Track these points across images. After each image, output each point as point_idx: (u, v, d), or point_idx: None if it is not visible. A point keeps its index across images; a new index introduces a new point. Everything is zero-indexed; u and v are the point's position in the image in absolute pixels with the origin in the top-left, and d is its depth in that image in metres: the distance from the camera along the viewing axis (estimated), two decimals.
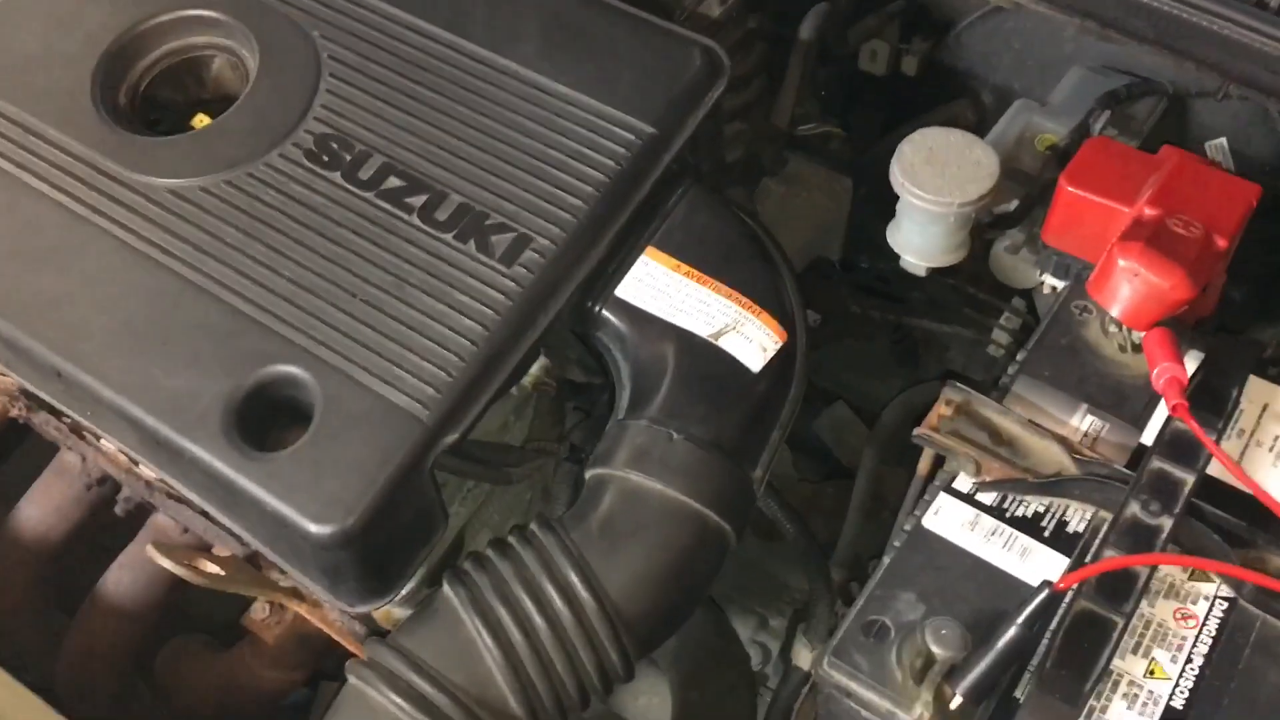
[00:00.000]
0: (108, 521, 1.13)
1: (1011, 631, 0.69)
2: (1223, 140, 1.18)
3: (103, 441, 1.03)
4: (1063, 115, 1.12)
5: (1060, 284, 1.02)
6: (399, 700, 0.78)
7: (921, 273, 1.04)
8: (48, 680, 1.12)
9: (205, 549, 1.04)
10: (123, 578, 1.11)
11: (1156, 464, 0.80)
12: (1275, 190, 1.00)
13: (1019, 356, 0.91)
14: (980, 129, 1.32)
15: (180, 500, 1.00)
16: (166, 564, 0.91)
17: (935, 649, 0.72)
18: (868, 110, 1.45)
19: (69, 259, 0.93)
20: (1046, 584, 0.69)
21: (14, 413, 1.07)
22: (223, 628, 1.16)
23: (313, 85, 0.99)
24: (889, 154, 1.08)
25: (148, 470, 0.99)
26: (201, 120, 1.03)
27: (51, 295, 0.92)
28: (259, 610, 1.05)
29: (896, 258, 1.33)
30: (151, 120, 1.04)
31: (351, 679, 0.82)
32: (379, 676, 0.80)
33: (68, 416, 0.99)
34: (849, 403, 1.57)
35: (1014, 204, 1.06)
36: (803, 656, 1.02)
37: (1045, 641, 0.73)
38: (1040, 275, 1.04)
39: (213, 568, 0.93)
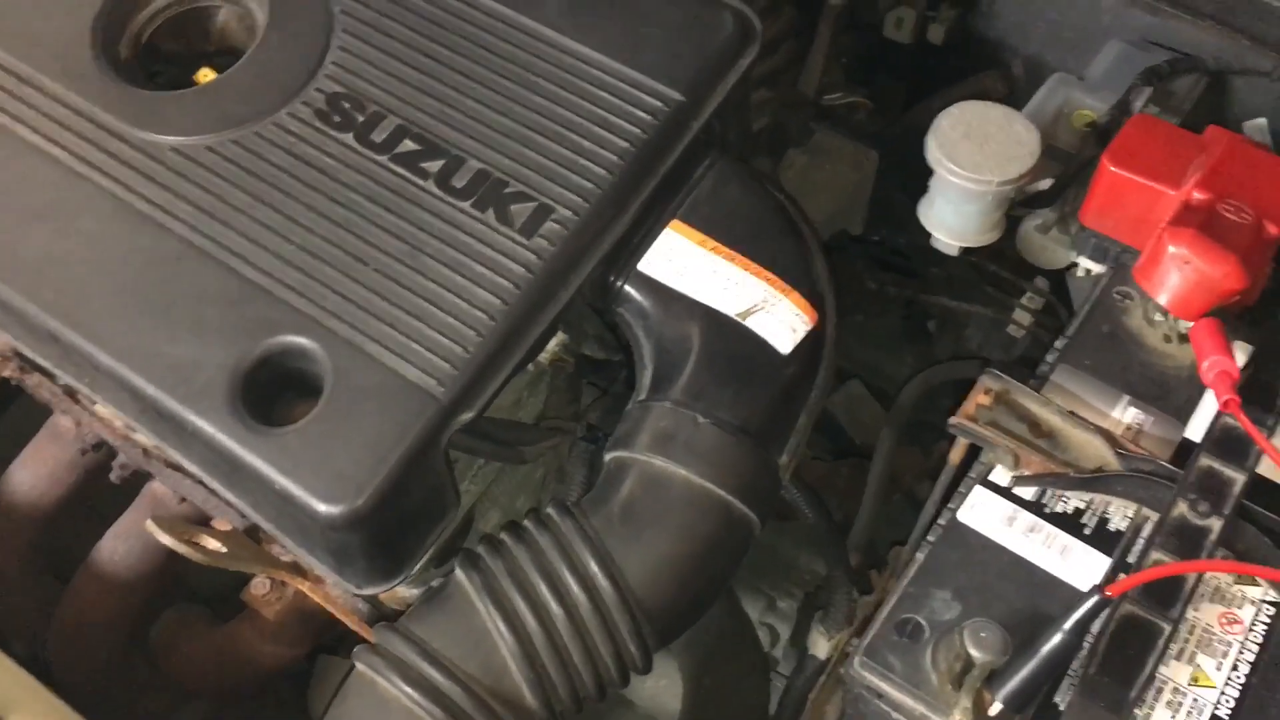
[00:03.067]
0: (103, 487, 1.09)
1: (1058, 638, 0.66)
2: (1262, 120, 1.14)
3: (98, 405, 0.99)
4: (1102, 90, 1.08)
5: (1096, 267, 0.98)
6: (409, 690, 0.75)
7: (954, 252, 1.01)
8: (40, 649, 1.09)
9: (204, 521, 1.01)
10: (118, 547, 1.08)
11: (1205, 462, 0.77)
12: None
13: (1058, 344, 0.87)
14: (1011, 102, 1.27)
15: (178, 468, 0.97)
16: (167, 540, 0.87)
17: (975, 652, 0.69)
18: (891, 80, 1.41)
19: (67, 218, 0.89)
20: (1097, 589, 0.66)
21: (6, 373, 1.03)
22: (220, 598, 1.12)
23: (324, 41, 0.94)
24: (916, 127, 1.04)
25: (144, 436, 0.95)
26: (206, 75, 0.99)
27: (48, 255, 0.88)
28: (259, 585, 1.01)
29: (917, 232, 1.29)
30: (153, 73, 1.00)
31: (359, 666, 0.78)
32: (389, 665, 0.77)
33: (61, 379, 0.96)
34: (859, 378, 1.54)
35: (1048, 182, 1.02)
36: (820, 646, 0.99)
37: (1088, 646, 0.70)
38: (1076, 257, 1.00)
39: (214, 544, 0.90)
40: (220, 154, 0.90)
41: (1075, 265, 1.01)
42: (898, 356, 1.58)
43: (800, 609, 1.18)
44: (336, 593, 0.96)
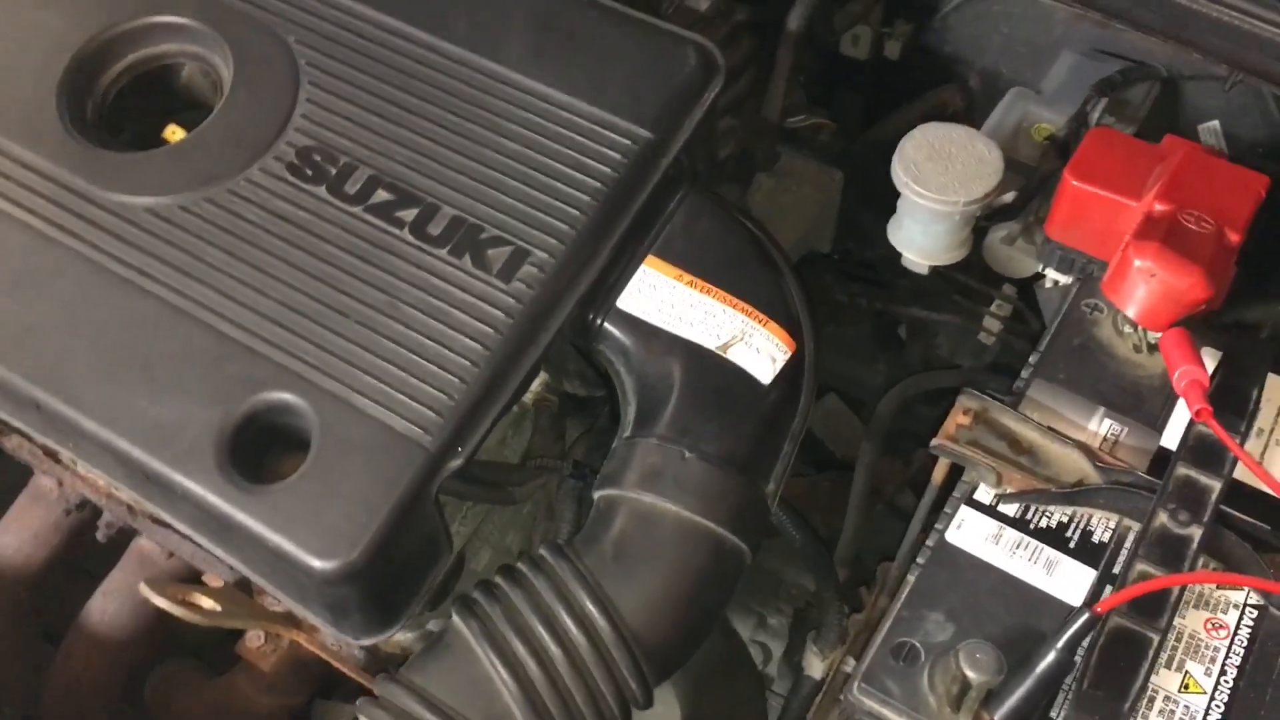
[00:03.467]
0: (89, 546, 1.09)
1: (1051, 656, 0.68)
2: (1215, 123, 1.17)
3: (79, 465, 0.99)
4: (1058, 103, 1.11)
5: (1063, 278, 1.00)
6: None
7: (924, 271, 1.03)
8: (34, 712, 1.08)
9: (194, 576, 1.01)
10: (108, 606, 1.08)
11: (1182, 471, 0.79)
12: (1269, 172, 0.98)
13: (1031, 359, 0.89)
14: (969, 114, 1.31)
15: (164, 524, 0.97)
16: (161, 603, 0.88)
17: (970, 674, 0.70)
18: (850, 96, 1.43)
19: (41, 284, 0.89)
20: (1087, 607, 0.68)
21: None
22: (213, 648, 1.12)
23: (291, 94, 0.95)
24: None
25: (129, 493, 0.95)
26: (174, 131, 0.99)
27: (25, 323, 0.88)
28: (254, 638, 1.02)
29: (884, 245, 1.31)
30: (120, 132, 1.00)
31: (363, 719, 0.79)
32: (392, 716, 0.77)
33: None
34: (835, 391, 1.55)
35: (1011, 195, 1.04)
36: (814, 666, 1.00)
37: (1079, 660, 0.71)
38: (1043, 269, 1.02)
39: (208, 602, 0.90)
40: (194, 213, 0.90)
41: (1043, 276, 1.03)
42: (871, 366, 1.60)
43: (792, 627, 1.19)
44: (331, 641, 0.97)
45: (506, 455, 1.00)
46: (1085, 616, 0.67)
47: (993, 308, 1.33)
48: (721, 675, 1.05)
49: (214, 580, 0.98)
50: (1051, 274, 1.01)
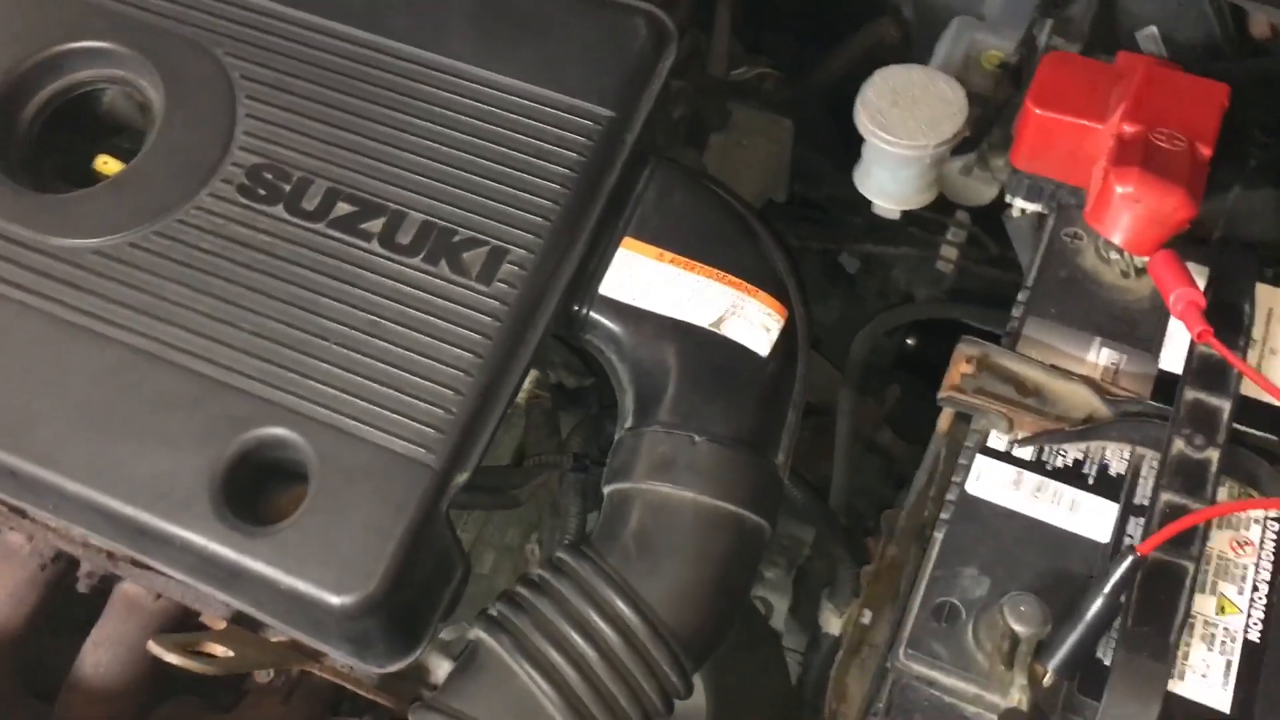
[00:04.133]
0: (71, 597, 1.05)
1: (1099, 602, 0.68)
2: (1154, 29, 1.17)
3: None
4: (1003, 27, 1.09)
5: (1032, 206, 1.00)
6: None
7: (896, 216, 1.01)
8: None
9: (187, 616, 0.98)
10: (101, 656, 1.04)
11: (1191, 394, 0.79)
12: (1212, 73, 0.98)
13: (1020, 297, 0.89)
14: (906, 46, 1.29)
15: (146, 566, 0.93)
16: (174, 659, 0.84)
17: (1018, 627, 0.70)
18: (779, 37, 1.40)
19: None
20: (1130, 549, 0.68)
21: None
22: (213, 681, 1.09)
23: (229, 112, 0.90)
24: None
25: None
26: (106, 162, 0.94)
27: None
28: (262, 674, 0.99)
29: (831, 184, 1.30)
30: (42, 170, 0.94)
31: None
32: None
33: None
34: None
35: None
36: (832, 623, 1.00)
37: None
38: (1010, 199, 1.01)
39: (220, 649, 0.87)
40: (146, 249, 0.86)
41: (1009, 206, 1.03)
42: (825, 302, 1.59)
43: (795, 581, 1.19)
44: (343, 664, 0.95)
45: (498, 454, 0.97)
46: (1130, 559, 0.67)
47: (949, 235, 1.33)
48: (744, 648, 1.05)
49: (214, 621, 0.95)
50: (1019, 203, 1.00)
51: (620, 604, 0.78)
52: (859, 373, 1.23)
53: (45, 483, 0.82)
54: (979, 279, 1.36)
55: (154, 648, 0.85)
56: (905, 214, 1.37)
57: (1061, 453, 0.80)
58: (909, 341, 1.55)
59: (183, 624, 1.01)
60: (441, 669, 0.98)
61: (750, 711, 1.04)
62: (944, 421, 0.86)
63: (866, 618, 0.98)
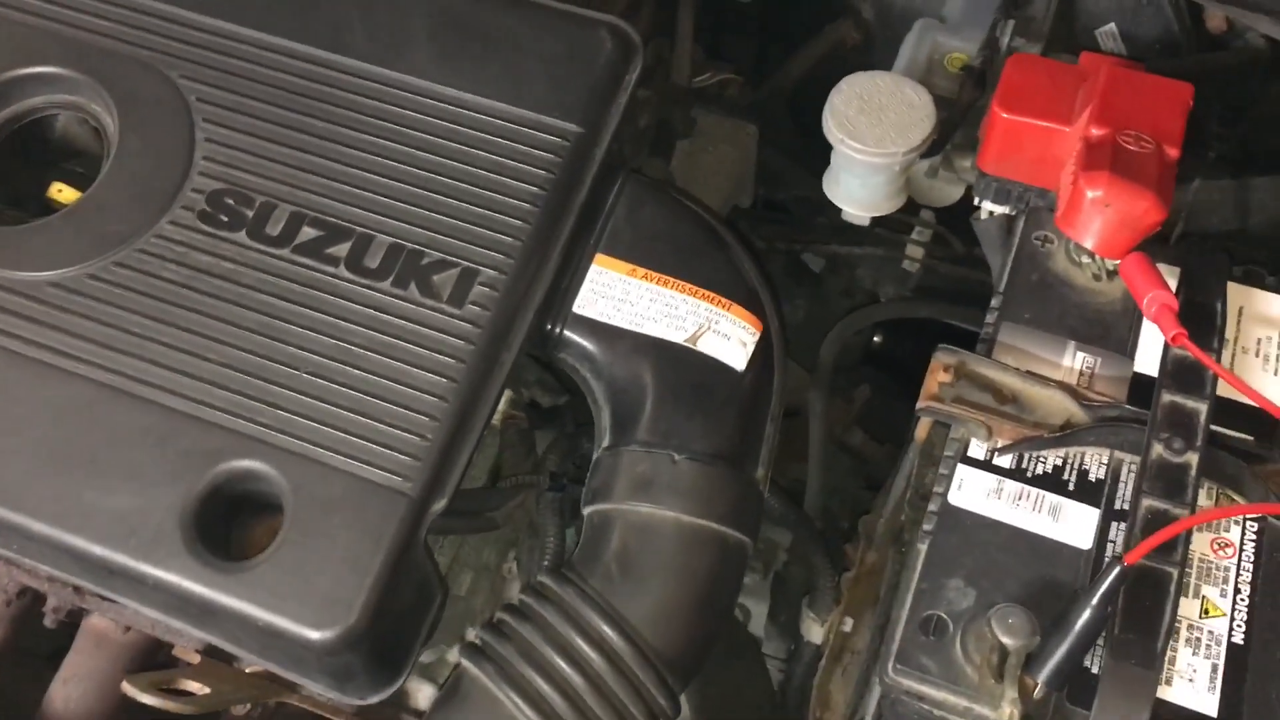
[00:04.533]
0: (38, 633, 1.03)
1: (1087, 613, 0.68)
2: (1112, 25, 1.17)
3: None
4: (965, 28, 1.09)
5: (1000, 209, 1.00)
6: None
7: (866, 223, 1.01)
8: None
9: (157, 648, 0.96)
10: (69, 692, 1.01)
11: (1168, 398, 0.79)
12: (1173, 71, 0.99)
13: (994, 303, 0.88)
14: (867, 47, 1.29)
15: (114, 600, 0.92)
16: (149, 700, 0.83)
17: (1006, 640, 0.70)
18: (739, 41, 1.40)
19: None
20: (1117, 560, 0.68)
21: None
22: None
23: (187, 136, 0.88)
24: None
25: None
26: (60, 190, 0.92)
27: None
28: (239, 707, 0.97)
29: (795, 185, 1.29)
30: (3, 201, 0.92)
31: None
32: None
33: None
34: None
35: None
36: (814, 632, 1.00)
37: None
38: (978, 202, 1.01)
39: (195, 686, 0.85)
40: (106, 280, 0.84)
41: (978, 209, 1.02)
42: (790, 303, 1.59)
43: (773, 588, 1.18)
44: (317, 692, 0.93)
45: (474, 475, 0.96)
46: (1117, 570, 0.67)
47: (914, 235, 1.33)
48: (726, 659, 1.04)
49: (186, 653, 0.93)
50: (988, 205, 1.00)
51: (605, 627, 0.77)
52: (828, 375, 1.22)
53: (10, 524, 0.80)
54: (945, 277, 1.36)
55: (128, 689, 0.83)
56: None
57: (1041, 460, 0.80)
58: (875, 339, 1.55)
59: (153, 655, 0.99)
60: (421, 693, 0.97)
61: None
62: (921, 430, 0.86)
63: (848, 625, 0.98)
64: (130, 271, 0.84)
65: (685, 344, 0.85)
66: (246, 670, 0.92)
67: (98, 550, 0.78)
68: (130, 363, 0.81)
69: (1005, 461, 0.80)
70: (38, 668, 1.03)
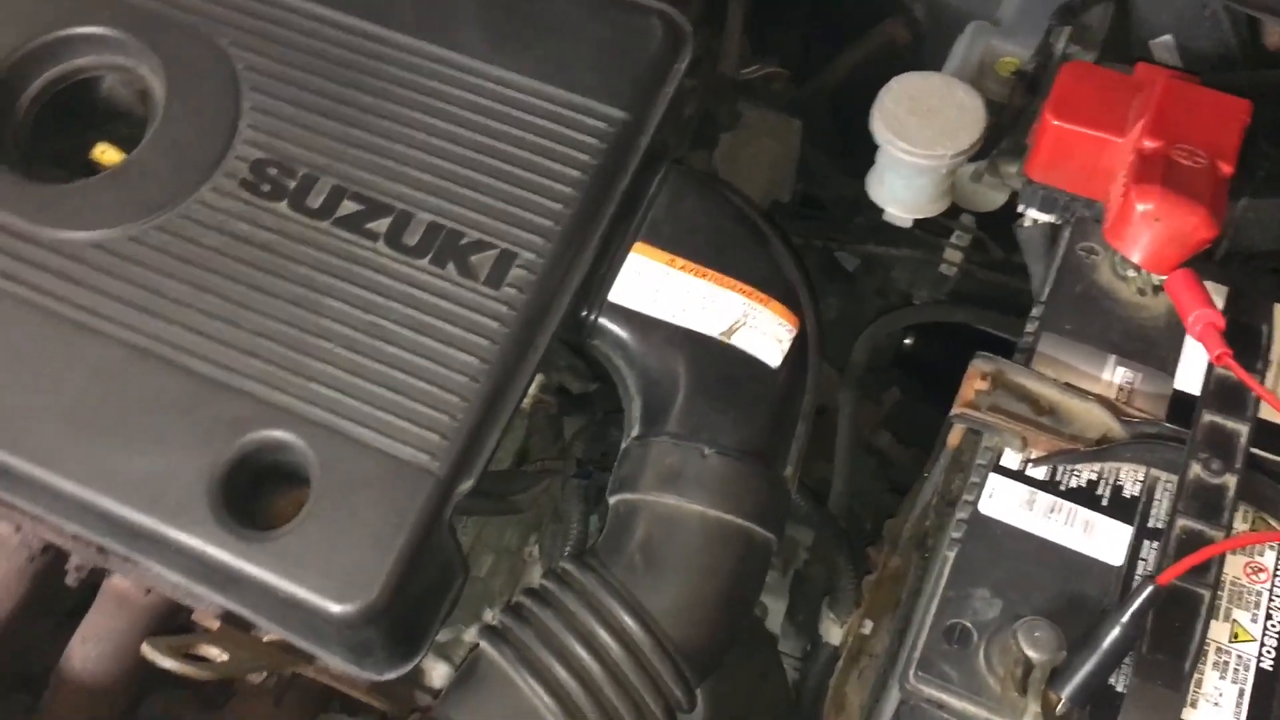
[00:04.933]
0: (59, 590, 1.03)
1: (1116, 631, 0.67)
2: (1169, 38, 1.16)
3: None
4: (1019, 34, 1.08)
5: (1045, 217, 0.98)
6: None
7: (908, 224, 1.00)
8: None
9: (177, 611, 0.96)
10: (88, 651, 1.02)
11: (1208, 418, 0.78)
12: (1228, 86, 0.97)
13: (1035, 312, 0.87)
14: (917, 47, 1.28)
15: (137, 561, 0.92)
16: (168, 664, 0.83)
17: (1032, 653, 0.69)
18: (785, 35, 1.39)
19: None
20: (1150, 579, 0.67)
21: None
22: None
23: (234, 102, 0.88)
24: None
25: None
26: (104, 150, 0.92)
27: None
28: (254, 675, 0.97)
29: (836, 185, 1.28)
30: (38, 159, 0.92)
31: None
32: None
33: None
34: None
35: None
36: (833, 633, 0.99)
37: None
38: (1023, 209, 1.00)
39: (215, 651, 0.85)
40: (146, 244, 0.84)
41: (1021, 216, 1.01)
42: (823, 301, 1.57)
43: (792, 585, 1.18)
44: (333, 664, 0.93)
45: (500, 457, 0.96)
46: (1150, 589, 0.66)
47: (953, 239, 1.32)
48: (742, 655, 1.04)
49: (207, 619, 0.93)
50: (1033, 213, 0.99)
51: (625, 617, 0.77)
52: (861, 375, 1.22)
53: (40, 482, 0.80)
54: (981, 283, 1.35)
55: (148, 652, 0.84)
56: None
57: (1075, 473, 0.79)
58: (906, 341, 1.54)
59: (172, 619, 0.99)
60: (436, 671, 0.97)
61: (748, 719, 1.03)
62: (954, 437, 0.85)
63: (867, 628, 0.97)
64: (170, 236, 0.84)
65: (720, 337, 0.84)
66: (264, 639, 0.92)
67: (124, 512, 0.78)
68: (165, 327, 0.81)
69: (1039, 473, 0.79)
70: (57, 625, 1.04)
